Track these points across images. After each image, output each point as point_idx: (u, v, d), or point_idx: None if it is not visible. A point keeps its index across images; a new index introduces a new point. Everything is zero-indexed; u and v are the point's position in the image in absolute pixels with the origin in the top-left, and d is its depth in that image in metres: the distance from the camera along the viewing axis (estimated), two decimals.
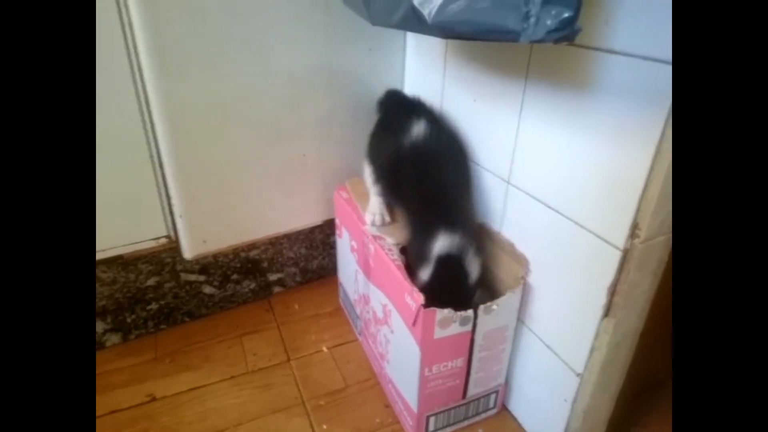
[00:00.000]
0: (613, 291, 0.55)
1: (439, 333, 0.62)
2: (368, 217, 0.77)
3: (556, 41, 0.33)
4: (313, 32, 0.79)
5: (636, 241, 0.51)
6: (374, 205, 0.79)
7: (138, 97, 0.73)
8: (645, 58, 0.44)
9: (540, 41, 0.33)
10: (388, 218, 0.77)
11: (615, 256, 0.53)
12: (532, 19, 0.31)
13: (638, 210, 0.49)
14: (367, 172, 0.81)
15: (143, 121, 0.75)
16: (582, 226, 0.56)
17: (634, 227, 0.51)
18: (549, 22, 0.31)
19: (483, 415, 0.77)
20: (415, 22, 0.42)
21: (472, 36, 0.38)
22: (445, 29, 0.40)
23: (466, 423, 0.76)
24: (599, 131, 0.51)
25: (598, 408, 0.65)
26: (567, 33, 0.32)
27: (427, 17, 0.40)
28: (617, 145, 0.50)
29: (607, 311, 0.57)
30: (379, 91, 0.89)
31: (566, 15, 0.31)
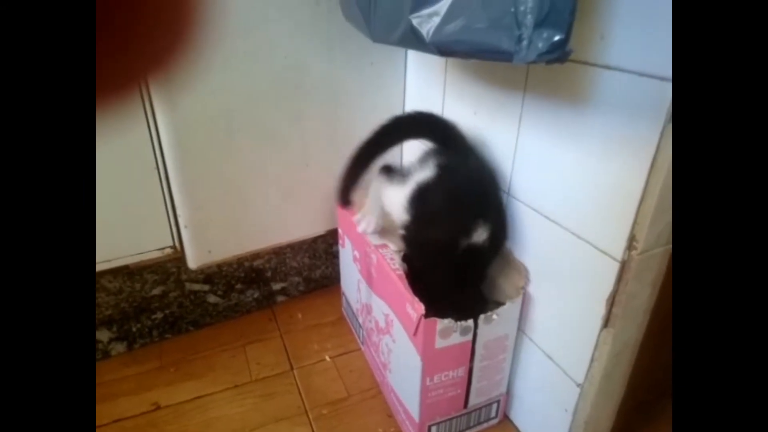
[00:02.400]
0: (611, 302, 0.56)
1: (440, 343, 0.63)
2: (362, 225, 0.76)
3: (548, 62, 0.34)
4: (316, 46, 0.81)
5: (633, 252, 0.52)
6: (371, 209, 0.76)
7: (144, 109, 0.75)
8: (640, 74, 0.45)
9: (532, 62, 0.34)
10: (381, 223, 0.76)
11: (613, 267, 0.53)
12: (525, 42, 0.33)
13: (635, 222, 0.50)
14: (399, 199, 0.68)
15: (149, 133, 0.76)
16: (580, 237, 0.57)
17: (632, 239, 0.51)
18: (540, 45, 0.32)
19: (485, 425, 0.78)
20: (413, 40, 0.43)
21: (468, 55, 0.39)
22: (442, 48, 0.41)
23: None
24: (596, 144, 0.52)
25: (599, 418, 0.65)
26: (558, 55, 0.33)
27: (425, 36, 0.41)
28: (614, 157, 0.50)
29: (607, 322, 0.57)
30: (382, 103, 0.90)
31: (557, 38, 0.32)
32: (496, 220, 0.66)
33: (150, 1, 0.13)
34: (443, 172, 0.66)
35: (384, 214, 0.75)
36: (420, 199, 0.66)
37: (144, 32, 0.14)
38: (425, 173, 0.66)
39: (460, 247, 0.64)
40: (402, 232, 0.70)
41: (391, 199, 0.71)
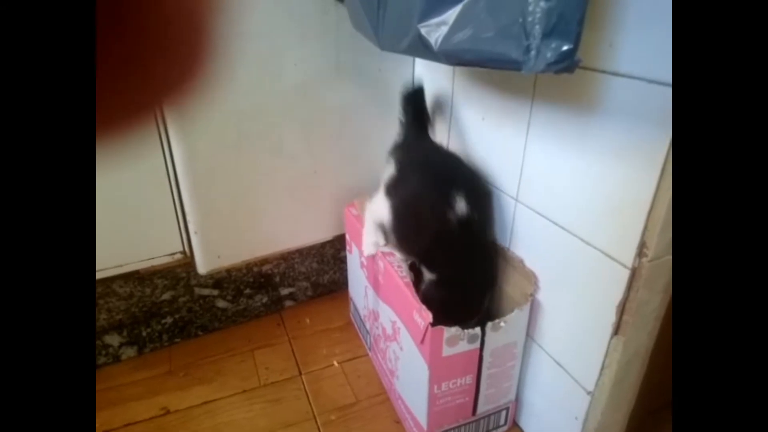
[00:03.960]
0: (622, 309, 0.55)
1: (447, 351, 0.63)
2: (365, 249, 0.78)
3: (557, 72, 0.34)
4: (324, 53, 0.81)
5: (644, 260, 0.51)
6: (369, 234, 0.78)
7: (155, 117, 0.75)
8: (649, 81, 0.45)
9: (540, 72, 0.34)
10: (382, 242, 0.76)
11: (623, 275, 0.53)
12: (533, 52, 0.33)
13: (645, 229, 0.50)
14: (382, 207, 0.73)
15: (160, 140, 0.77)
16: (590, 244, 0.57)
17: (642, 246, 0.51)
18: (549, 54, 0.32)
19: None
20: (422, 49, 0.43)
21: (476, 64, 0.39)
22: (450, 57, 0.41)
23: None
24: (605, 151, 0.52)
25: (609, 426, 0.64)
26: (567, 65, 0.33)
27: (433, 45, 0.41)
28: (623, 164, 0.50)
29: (617, 329, 0.56)
30: (389, 110, 0.91)
31: (565, 48, 0.32)
32: (471, 194, 0.67)
33: (166, 33, 0.14)
34: (410, 158, 0.74)
35: (378, 228, 0.76)
36: (394, 187, 0.72)
37: (159, 62, 0.14)
38: (391, 168, 0.74)
39: (450, 219, 0.66)
40: (390, 223, 0.73)
41: (374, 206, 0.76)
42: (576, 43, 0.33)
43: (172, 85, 0.15)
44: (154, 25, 0.13)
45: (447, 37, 0.40)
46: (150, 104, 0.15)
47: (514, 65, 0.35)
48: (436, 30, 0.41)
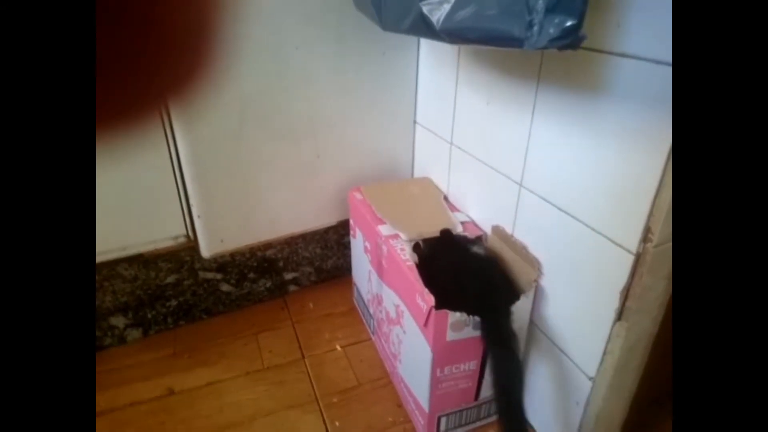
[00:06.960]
0: (626, 295, 0.55)
1: (451, 335, 0.63)
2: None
3: (560, 48, 0.33)
4: (328, 36, 0.80)
5: (649, 245, 0.50)
6: None
7: (161, 113, 0.75)
8: (657, 62, 0.44)
9: (543, 48, 0.33)
10: None
11: (628, 260, 0.52)
12: (536, 28, 0.32)
13: (650, 214, 0.49)
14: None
15: (162, 123, 0.77)
16: (594, 230, 0.56)
17: (647, 231, 0.50)
18: (552, 30, 0.31)
19: (495, 417, 0.77)
20: (424, 28, 0.43)
21: (478, 42, 0.38)
22: (452, 35, 0.40)
23: (478, 424, 0.76)
24: (611, 135, 0.51)
25: (611, 412, 0.64)
26: (570, 41, 0.32)
27: (435, 24, 0.41)
28: (629, 148, 0.49)
29: (620, 315, 0.56)
30: (393, 94, 0.90)
31: (569, 24, 0.31)
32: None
33: (172, 30, 0.13)
34: None
35: None
36: None
37: (164, 57, 0.14)
38: None
39: None
40: None
41: None
42: (580, 18, 0.32)
43: (178, 80, 0.15)
44: (158, 20, 0.13)
45: (449, 15, 0.39)
46: (156, 100, 0.15)
47: (516, 42, 0.34)
48: (438, 8, 0.40)
